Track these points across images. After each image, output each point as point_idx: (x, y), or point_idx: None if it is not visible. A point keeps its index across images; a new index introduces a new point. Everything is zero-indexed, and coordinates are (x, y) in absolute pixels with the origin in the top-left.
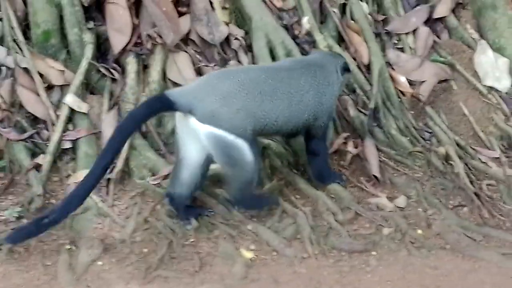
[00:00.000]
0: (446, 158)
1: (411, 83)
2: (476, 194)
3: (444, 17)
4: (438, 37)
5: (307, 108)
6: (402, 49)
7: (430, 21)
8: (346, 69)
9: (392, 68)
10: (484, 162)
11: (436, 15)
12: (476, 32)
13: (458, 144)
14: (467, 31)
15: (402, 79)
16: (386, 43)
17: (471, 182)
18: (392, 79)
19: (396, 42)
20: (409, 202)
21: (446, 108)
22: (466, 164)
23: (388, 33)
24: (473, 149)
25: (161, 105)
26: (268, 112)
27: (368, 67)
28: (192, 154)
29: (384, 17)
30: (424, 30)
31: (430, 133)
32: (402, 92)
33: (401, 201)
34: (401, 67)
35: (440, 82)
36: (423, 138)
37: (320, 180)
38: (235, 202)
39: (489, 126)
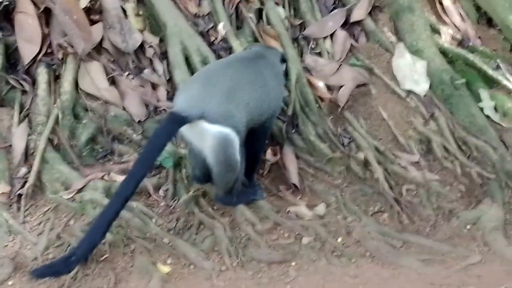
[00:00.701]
0: (366, 163)
1: (329, 88)
2: (395, 199)
3: (362, 20)
4: (356, 40)
5: (273, 98)
6: (320, 54)
7: (347, 25)
8: (283, 60)
9: (310, 74)
10: (404, 167)
11: (353, 18)
12: (393, 35)
13: (377, 149)
14: (385, 34)
15: (320, 84)
16: (304, 48)
17: (391, 187)
18: (310, 84)
19: (314, 46)
20: (329, 210)
21: (365, 113)
22: (385, 169)
23: (305, 38)
24: (393, 153)
25: (178, 124)
26: (256, 103)
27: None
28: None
29: (301, 21)
30: (341, 34)
31: (349, 138)
32: (320, 98)
33: (320, 209)
34: (319, 72)
35: (359, 86)
36: (342, 144)
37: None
38: (220, 199)
39: (408, 130)
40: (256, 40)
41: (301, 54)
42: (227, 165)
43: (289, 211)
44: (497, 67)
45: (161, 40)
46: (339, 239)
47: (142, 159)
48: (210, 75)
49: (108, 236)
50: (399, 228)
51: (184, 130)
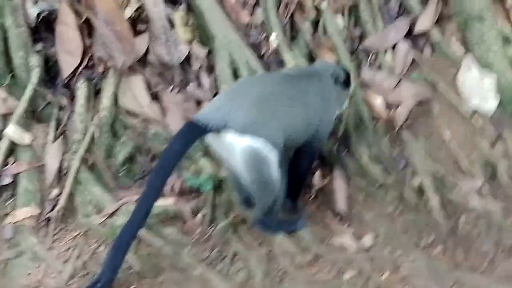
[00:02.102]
0: (421, 190)
1: (387, 105)
2: (451, 231)
3: (427, 30)
4: (420, 53)
5: (316, 118)
6: (379, 68)
7: (411, 36)
8: (346, 82)
9: (368, 89)
10: (464, 195)
11: (418, 28)
12: (461, 46)
13: (435, 174)
14: (452, 46)
15: (378, 100)
16: (362, 61)
17: (447, 217)
18: (366, 101)
19: (373, 59)
20: (377, 241)
21: (425, 133)
22: (443, 197)
23: (365, 50)
24: (453, 179)
25: (196, 132)
26: (293, 120)
27: None
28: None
29: (361, 32)
30: (403, 46)
31: (405, 161)
32: (377, 116)
33: (367, 240)
34: (376, 88)
35: (420, 103)
36: (398, 168)
37: (293, 207)
38: (258, 223)
39: (473, 153)
40: (310, 52)
41: (359, 68)
42: (262, 183)
43: (333, 242)
44: None
45: (210, 52)
46: (385, 275)
47: (158, 170)
48: (241, 87)
49: (136, 265)
50: (452, 264)
51: (214, 144)
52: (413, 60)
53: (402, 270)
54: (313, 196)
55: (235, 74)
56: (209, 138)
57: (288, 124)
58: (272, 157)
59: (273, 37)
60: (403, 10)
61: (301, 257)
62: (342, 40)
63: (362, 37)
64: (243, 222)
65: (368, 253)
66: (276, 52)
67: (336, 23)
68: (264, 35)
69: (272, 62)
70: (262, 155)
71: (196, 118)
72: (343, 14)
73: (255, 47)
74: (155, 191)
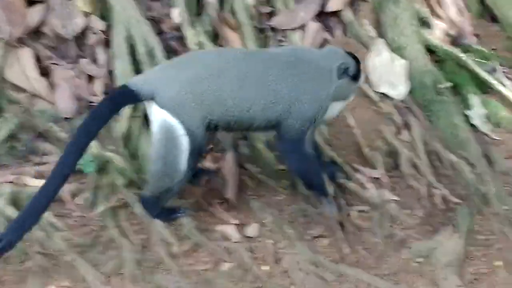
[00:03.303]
0: None
1: None
2: (340, 223)
3: (339, 11)
4: (331, 34)
5: (282, 101)
6: None
7: (322, 16)
8: (347, 73)
9: None
10: (362, 184)
11: (329, 8)
12: (374, 29)
13: (333, 162)
14: (364, 28)
15: None
16: (271, 40)
17: (340, 207)
18: None
19: (282, 39)
20: (262, 232)
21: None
22: (338, 186)
23: (273, 29)
24: (352, 168)
25: (125, 98)
26: (239, 102)
27: None
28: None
29: (271, 9)
30: (313, 26)
31: None
32: None
33: (251, 230)
34: None
35: None
36: None
37: (315, 190)
38: (144, 201)
39: (377, 140)
40: (214, 30)
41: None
42: (164, 165)
43: (216, 230)
44: (493, 70)
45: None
46: (265, 268)
47: (81, 132)
48: (186, 59)
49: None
50: (338, 257)
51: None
52: (323, 41)
53: (284, 262)
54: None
55: (132, 50)
56: (146, 107)
57: (228, 106)
58: (184, 143)
59: (175, 12)
60: None
61: (179, 246)
62: (248, 17)
63: (272, 15)
64: (125, 207)
65: (250, 243)
66: (178, 28)
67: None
68: (168, 10)
69: (171, 39)
70: (174, 135)
71: (130, 83)
72: None
73: (156, 23)
74: (75, 154)
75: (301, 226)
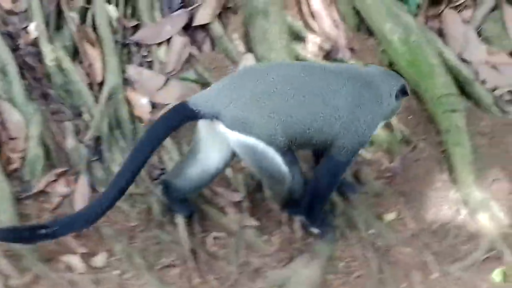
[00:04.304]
0: None
1: (155, 106)
2: (193, 250)
3: (208, 24)
4: (199, 49)
5: (340, 119)
6: (151, 64)
7: (190, 29)
8: (403, 93)
9: (132, 87)
10: (222, 208)
11: (197, 21)
12: (243, 43)
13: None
14: (233, 42)
15: (144, 101)
16: (134, 56)
17: (193, 234)
18: (129, 101)
19: (146, 55)
20: (110, 261)
21: (191, 139)
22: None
23: (137, 44)
24: (213, 190)
25: (184, 116)
26: (302, 117)
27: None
28: (214, 161)
29: (137, 23)
30: (178, 40)
31: (161, 170)
32: (140, 118)
33: (98, 259)
34: (143, 87)
35: None
36: (152, 177)
37: (307, 216)
38: (283, 208)
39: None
40: (75, 45)
41: (128, 63)
42: (267, 174)
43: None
44: None
45: None
46: None
47: (138, 150)
48: (246, 74)
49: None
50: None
51: (205, 130)
52: (189, 57)
53: None
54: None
55: None
56: (200, 124)
57: (296, 121)
58: (271, 152)
59: (32, 26)
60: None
61: (18, 278)
62: (110, 32)
63: (137, 29)
64: None
65: (96, 274)
66: (35, 44)
67: (108, 12)
68: (26, 24)
69: (27, 54)
70: (258, 151)
71: (190, 101)
72: (117, 3)
73: (12, 38)
74: (132, 169)
75: (152, 255)
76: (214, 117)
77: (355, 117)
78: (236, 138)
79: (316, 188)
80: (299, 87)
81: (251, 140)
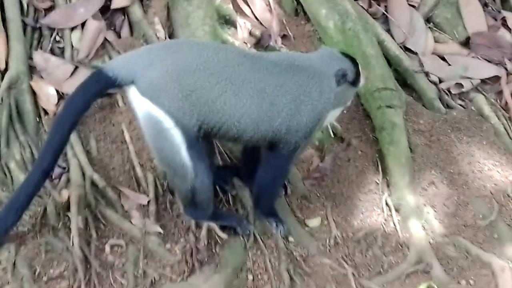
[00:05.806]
0: (69, 206)
1: (63, 97)
2: (86, 259)
3: (126, 7)
4: (118, 33)
5: (280, 115)
6: (63, 49)
7: (108, 12)
8: (344, 77)
9: (38, 76)
10: (126, 212)
11: (115, 4)
12: (165, 28)
13: (95, 185)
14: (154, 27)
15: (50, 91)
16: (46, 41)
17: (89, 242)
18: (34, 90)
19: (59, 40)
20: None
21: (101, 133)
22: (94, 214)
23: (49, 28)
24: (118, 192)
25: (102, 83)
26: (228, 108)
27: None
28: None
29: (51, 4)
30: (92, 25)
31: (63, 168)
32: (45, 110)
33: None
34: (50, 76)
35: (103, 96)
36: (52, 177)
37: (262, 210)
38: (186, 212)
39: (154, 159)
40: None
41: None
42: (166, 161)
43: None
44: None
45: None
46: None
47: (56, 125)
48: (175, 47)
49: None
50: None
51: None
52: (104, 43)
53: None
54: None
55: None
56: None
57: (221, 109)
58: (175, 134)
59: None
60: None
61: None
62: (19, 13)
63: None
64: None
65: None
66: None
67: None
68: None
69: None
70: (161, 127)
71: (107, 66)
72: None
73: None
74: (54, 148)
75: (42, 264)
76: (130, 81)
77: (296, 111)
78: (144, 108)
79: (261, 185)
80: (234, 75)
81: (159, 114)
